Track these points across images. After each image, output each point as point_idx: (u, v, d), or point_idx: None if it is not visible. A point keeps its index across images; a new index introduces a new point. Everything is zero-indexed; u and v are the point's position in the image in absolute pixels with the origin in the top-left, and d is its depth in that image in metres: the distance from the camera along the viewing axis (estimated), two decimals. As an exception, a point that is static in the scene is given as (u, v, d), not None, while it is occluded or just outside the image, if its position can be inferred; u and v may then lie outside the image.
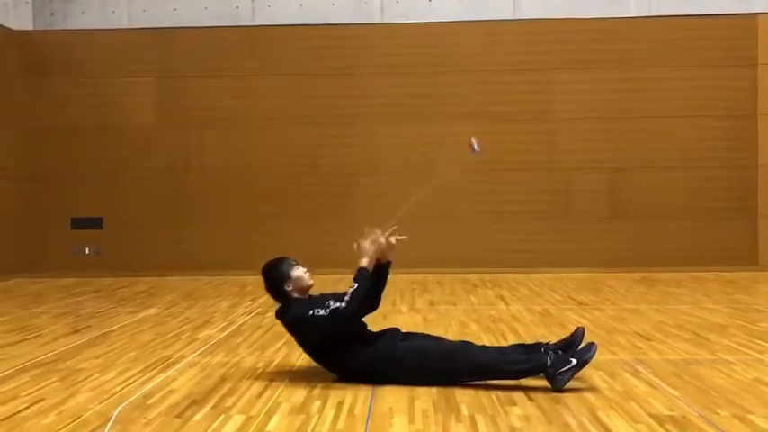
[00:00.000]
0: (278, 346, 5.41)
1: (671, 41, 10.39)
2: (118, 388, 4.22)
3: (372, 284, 4.35)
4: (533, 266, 10.17)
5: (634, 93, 10.39)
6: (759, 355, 4.92)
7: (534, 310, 7.06)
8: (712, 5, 10.31)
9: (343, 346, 4.26)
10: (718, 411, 3.65)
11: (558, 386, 4.03)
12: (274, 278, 4.41)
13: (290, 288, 4.38)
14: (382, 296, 4.56)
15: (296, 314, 4.30)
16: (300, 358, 4.96)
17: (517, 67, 10.45)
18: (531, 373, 4.12)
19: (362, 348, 4.26)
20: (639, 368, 4.58)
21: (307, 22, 10.58)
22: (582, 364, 4.09)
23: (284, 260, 4.47)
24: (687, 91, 10.38)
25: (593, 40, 10.42)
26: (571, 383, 4.18)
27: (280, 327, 6.22)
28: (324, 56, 10.57)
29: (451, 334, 5.81)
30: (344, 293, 4.22)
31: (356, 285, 4.24)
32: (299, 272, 4.42)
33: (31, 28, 10.81)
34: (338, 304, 4.18)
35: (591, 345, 4.18)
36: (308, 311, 4.21)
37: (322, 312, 4.18)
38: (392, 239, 4.47)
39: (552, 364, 4.05)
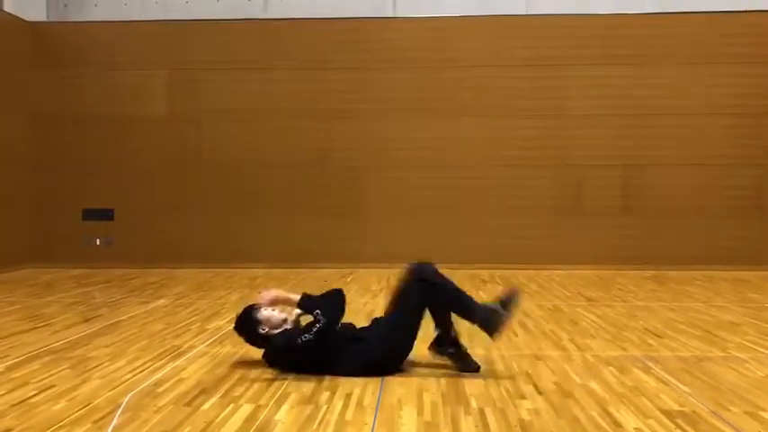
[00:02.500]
0: (287, 337, 5.40)
1: (685, 38, 10.30)
2: (128, 376, 4.24)
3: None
4: (544, 263, 10.13)
5: (647, 89, 10.32)
6: (771, 353, 4.89)
7: (544, 306, 7.03)
8: (727, 2, 10.20)
9: (335, 352, 4.24)
10: (730, 408, 3.62)
11: (492, 335, 4.31)
12: (248, 329, 4.46)
13: (266, 330, 4.41)
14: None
15: (281, 342, 4.28)
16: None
17: (530, 63, 10.40)
18: (471, 318, 4.34)
19: (355, 346, 4.28)
20: (650, 364, 4.55)
21: (318, 15, 10.57)
22: (507, 307, 4.29)
23: (248, 310, 4.50)
24: (701, 88, 10.29)
25: (607, 36, 10.35)
26: (582, 379, 4.18)
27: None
28: (335, 49, 10.55)
29: (459, 329, 5.79)
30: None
31: (320, 311, 4.21)
32: (266, 312, 4.44)
33: (44, 19, 10.86)
34: (318, 326, 4.18)
35: (514, 290, 4.43)
36: (296, 339, 4.19)
37: (310, 336, 4.15)
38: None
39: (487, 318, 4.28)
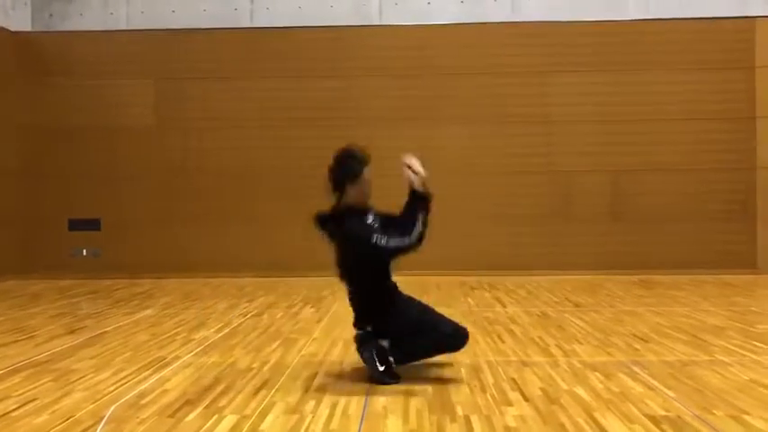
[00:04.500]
0: (273, 346, 5.38)
1: (670, 44, 10.38)
2: (112, 388, 4.20)
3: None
4: (532, 269, 10.14)
5: (633, 96, 10.39)
6: (756, 357, 4.90)
7: (532, 312, 7.04)
8: (711, 9, 10.30)
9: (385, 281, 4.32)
10: (714, 412, 3.63)
11: None
12: (344, 171, 4.30)
13: (352, 191, 4.28)
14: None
15: (356, 232, 4.17)
16: (297, 358, 4.95)
17: (516, 70, 10.44)
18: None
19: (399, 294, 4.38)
20: (636, 369, 4.56)
21: (305, 24, 10.58)
22: None
23: (361, 156, 4.32)
24: (686, 94, 10.37)
25: (592, 43, 10.41)
26: (568, 385, 4.18)
27: (275, 328, 6.23)
28: (322, 57, 10.56)
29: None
30: (405, 224, 4.18)
31: (420, 222, 4.23)
32: (367, 176, 4.27)
33: (29, 29, 10.81)
34: (403, 240, 4.12)
35: None
36: (372, 236, 4.07)
37: (383, 242, 4.08)
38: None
39: None
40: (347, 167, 4.32)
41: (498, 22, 10.49)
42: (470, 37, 10.52)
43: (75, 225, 10.66)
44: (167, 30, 10.67)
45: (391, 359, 4.21)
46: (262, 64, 10.64)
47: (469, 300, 7.95)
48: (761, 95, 10.27)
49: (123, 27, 10.76)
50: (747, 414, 3.59)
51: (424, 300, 4.74)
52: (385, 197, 11.19)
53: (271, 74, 10.61)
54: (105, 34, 10.72)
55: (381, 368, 4.20)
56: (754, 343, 5.37)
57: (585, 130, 10.42)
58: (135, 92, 10.70)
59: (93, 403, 3.88)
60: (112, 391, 4.12)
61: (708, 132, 10.34)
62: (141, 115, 10.69)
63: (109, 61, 10.71)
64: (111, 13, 10.83)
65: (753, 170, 10.31)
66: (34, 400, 3.95)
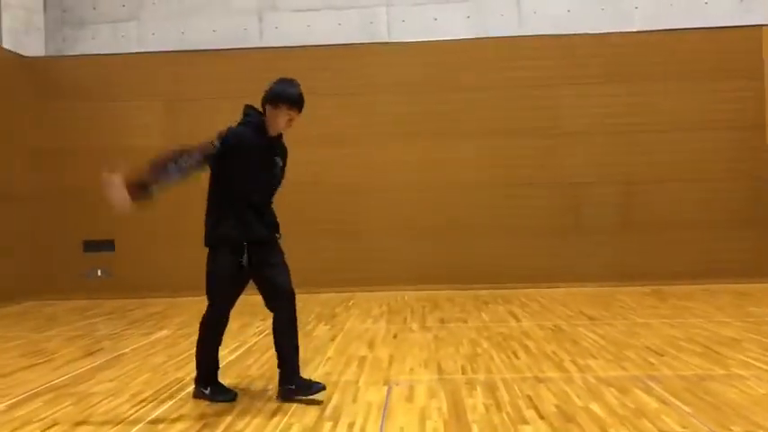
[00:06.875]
0: (289, 366, 5.40)
1: (677, 55, 10.40)
2: (131, 411, 4.24)
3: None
4: (545, 281, 10.13)
5: (642, 107, 10.39)
6: (772, 370, 4.89)
7: (545, 326, 7.03)
8: (716, 18, 10.33)
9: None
10: (731, 427, 3.63)
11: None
12: (273, 93, 4.54)
13: (267, 110, 4.50)
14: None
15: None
16: (312, 378, 4.97)
17: (524, 83, 10.48)
18: None
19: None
20: (651, 384, 4.56)
21: (314, 42, 10.68)
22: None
23: (298, 94, 4.49)
24: (695, 103, 10.36)
25: (599, 54, 10.44)
26: (583, 401, 4.18)
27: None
28: (332, 76, 10.63)
29: (462, 353, 5.81)
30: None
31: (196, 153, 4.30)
32: (286, 115, 4.46)
33: (42, 54, 10.97)
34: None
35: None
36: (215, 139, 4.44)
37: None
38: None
39: None
40: (279, 89, 4.51)
41: (505, 36, 10.55)
42: (477, 51, 10.58)
43: (91, 246, 10.76)
44: (177, 51, 10.80)
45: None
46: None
47: (483, 314, 7.96)
48: (770, 104, 10.27)
49: (134, 50, 10.90)
50: (764, 429, 3.58)
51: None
52: (392, 212, 11.19)
53: (280, 92, 10.67)
54: (116, 57, 10.86)
55: (207, 390, 4.40)
56: (770, 355, 5.36)
57: (595, 141, 10.44)
58: (145, 113, 10.81)
59: (114, 426, 3.92)
60: (132, 415, 4.16)
61: (718, 141, 10.33)
62: (151, 136, 10.77)
63: (121, 83, 10.85)
64: (123, 36, 10.98)
65: (764, 179, 10.28)
66: (55, 425, 4.00)
